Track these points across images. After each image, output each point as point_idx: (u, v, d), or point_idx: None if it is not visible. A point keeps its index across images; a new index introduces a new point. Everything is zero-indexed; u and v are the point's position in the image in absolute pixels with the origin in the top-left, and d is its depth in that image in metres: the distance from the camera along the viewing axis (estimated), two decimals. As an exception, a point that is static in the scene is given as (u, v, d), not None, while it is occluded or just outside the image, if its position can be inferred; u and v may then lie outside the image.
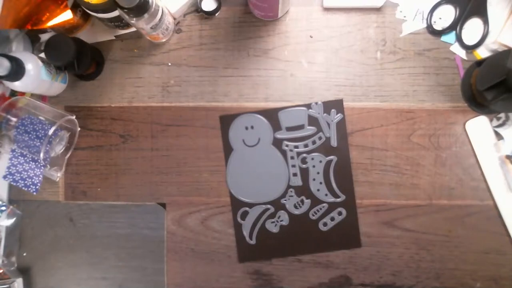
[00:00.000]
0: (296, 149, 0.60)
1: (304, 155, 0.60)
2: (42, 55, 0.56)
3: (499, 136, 0.58)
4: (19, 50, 0.61)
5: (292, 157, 0.60)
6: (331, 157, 0.60)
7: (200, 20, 0.62)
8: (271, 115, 0.61)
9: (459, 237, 0.59)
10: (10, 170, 0.62)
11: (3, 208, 0.62)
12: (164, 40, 0.62)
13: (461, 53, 0.59)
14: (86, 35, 0.62)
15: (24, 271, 0.62)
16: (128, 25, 0.61)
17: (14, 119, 0.57)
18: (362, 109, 0.60)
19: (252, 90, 0.61)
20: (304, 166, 0.60)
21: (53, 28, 0.59)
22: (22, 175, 0.62)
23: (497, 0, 0.58)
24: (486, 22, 0.58)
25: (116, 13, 0.54)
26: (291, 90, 0.61)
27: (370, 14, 0.61)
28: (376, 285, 0.59)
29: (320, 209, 0.60)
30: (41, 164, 0.62)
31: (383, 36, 0.60)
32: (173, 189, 0.62)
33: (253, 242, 0.60)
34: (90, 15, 0.59)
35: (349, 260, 0.60)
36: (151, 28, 0.55)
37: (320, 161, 0.60)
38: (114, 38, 0.63)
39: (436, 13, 0.60)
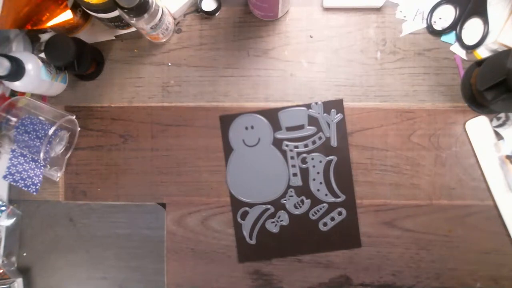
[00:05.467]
0: (296, 149, 0.60)
1: (304, 155, 0.60)
2: (42, 55, 0.56)
3: (499, 136, 0.58)
4: (19, 50, 0.61)
5: (292, 157, 0.60)
6: (331, 157, 0.60)
7: (200, 20, 0.62)
8: (271, 115, 0.61)
9: (459, 237, 0.59)
10: (10, 170, 0.62)
11: (3, 208, 0.62)
12: (164, 40, 0.62)
13: (461, 53, 0.59)
14: (86, 35, 0.62)
15: (24, 271, 0.62)
16: (128, 25, 0.61)
17: (14, 119, 0.57)
18: (362, 109, 0.60)
19: (252, 90, 0.61)
20: (304, 166, 0.60)
21: (53, 28, 0.59)
22: (22, 175, 0.62)
23: (497, 0, 0.58)
24: (486, 22, 0.58)
25: (116, 13, 0.54)
26: (291, 90, 0.61)
27: (370, 14, 0.61)
28: (376, 285, 0.59)
29: (320, 209, 0.60)
30: (41, 164, 0.62)
31: (383, 36, 0.60)
32: (173, 189, 0.62)
33: (253, 242, 0.60)
34: (90, 15, 0.59)
35: (349, 260, 0.60)
36: (151, 28, 0.55)
37: (320, 161, 0.60)
38: (114, 38, 0.63)
39: (436, 13, 0.60)
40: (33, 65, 0.54)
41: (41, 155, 0.56)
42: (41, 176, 0.62)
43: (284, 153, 0.60)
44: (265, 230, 0.60)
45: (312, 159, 0.60)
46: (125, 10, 0.49)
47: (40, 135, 0.57)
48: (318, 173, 0.60)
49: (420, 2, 0.60)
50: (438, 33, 0.60)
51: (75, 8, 0.58)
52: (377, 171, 0.60)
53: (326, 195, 0.60)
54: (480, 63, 0.55)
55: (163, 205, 0.62)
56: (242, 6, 0.62)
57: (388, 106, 0.60)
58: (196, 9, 0.62)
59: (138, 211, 0.62)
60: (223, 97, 0.61)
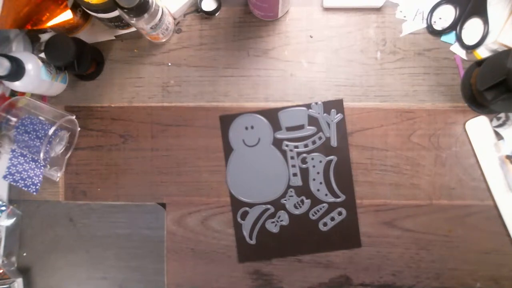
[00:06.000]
0: (296, 149, 0.60)
1: (304, 155, 0.60)
2: (42, 55, 0.56)
3: (499, 136, 0.58)
4: (19, 50, 0.61)
5: (292, 157, 0.60)
6: (331, 157, 0.60)
7: (200, 20, 0.62)
8: (271, 115, 0.61)
9: (459, 237, 0.59)
10: (10, 170, 0.62)
11: (3, 208, 0.62)
12: (164, 40, 0.62)
13: (461, 53, 0.59)
14: (86, 35, 0.62)
15: (24, 271, 0.62)
16: (128, 25, 0.61)
17: (14, 119, 0.57)
18: (362, 109, 0.60)
19: (252, 90, 0.61)
20: (304, 166, 0.60)
21: (53, 28, 0.59)
22: (22, 175, 0.62)
23: (497, 0, 0.58)
24: (486, 22, 0.58)
25: (116, 13, 0.54)
26: (291, 90, 0.61)
27: (370, 14, 0.61)
28: (376, 285, 0.59)
29: (320, 209, 0.60)
30: (41, 164, 0.62)
31: (383, 36, 0.60)
32: (173, 189, 0.62)
33: (253, 242, 0.60)
34: (90, 15, 0.59)
35: (349, 260, 0.60)
36: (151, 28, 0.55)
37: (320, 161, 0.60)
38: (114, 38, 0.63)
39: (436, 13, 0.60)
40: (33, 65, 0.54)
41: (41, 155, 0.56)
42: (41, 176, 0.62)
43: (284, 153, 0.60)
44: (265, 230, 0.60)
45: (312, 159, 0.60)
46: (125, 10, 0.49)
47: (40, 135, 0.57)
48: (318, 173, 0.60)
49: (420, 2, 0.60)
50: (438, 33, 0.60)
51: (75, 8, 0.58)
52: (377, 171, 0.60)
53: (326, 195, 0.60)
54: (480, 63, 0.55)
55: (163, 205, 0.62)
56: (242, 6, 0.62)
57: (388, 106, 0.60)
58: (196, 9, 0.62)
59: (138, 211, 0.62)
60: (223, 97, 0.61)
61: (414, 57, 0.60)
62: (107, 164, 0.62)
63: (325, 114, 0.60)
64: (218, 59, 0.62)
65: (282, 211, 0.60)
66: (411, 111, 0.60)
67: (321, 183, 0.60)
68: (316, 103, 0.60)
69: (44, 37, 0.63)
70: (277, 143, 0.60)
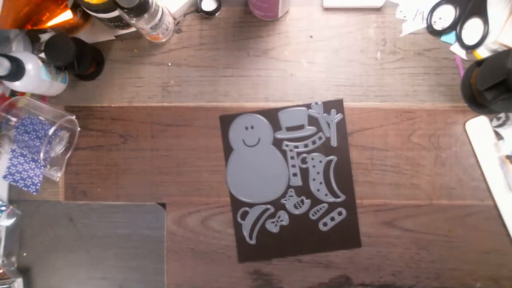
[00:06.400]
0: (296, 149, 0.60)
1: (304, 155, 0.60)
2: (42, 55, 0.56)
3: (499, 136, 0.58)
4: (19, 50, 0.61)
5: (292, 157, 0.60)
6: (331, 157, 0.60)
7: (200, 20, 0.62)
8: (271, 115, 0.61)
9: (459, 237, 0.59)
10: (10, 170, 0.62)
11: (3, 208, 0.62)
12: (164, 40, 0.62)
13: (461, 53, 0.59)
14: (86, 35, 0.62)
15: (24, 271, 0.62)
16: (128, 25, 0.61)
17: (14, 119, 0.57)
18: (362, 109, 0.60)
19: (252, 90, 0.61)
20: (304, 166, 0.60)
21: (53, 28, 0.59)
22: (22, 175, 0.62)
23: (497, 0, 0.58)
24: (486, 22, 0.58)
25: (116, 13, 0.54)
26: (291, 90, 0.61)
27: (370, 14, 0.61)
28: (376, 285, 0.59)
29: (320, 209, 0.60)
30: (41, 164, 0.62)
31: (383, 36, 0.60)
32: (173, 189, 0.62)
33: (253, 242, 0.60)
34: (90, 15, 0.59)
35: (349, 260, 0.60)
36: (151, 28, 0.55)
37: (320, 161, 0.60)
38: (114, 38, 0.63)
39: (436, 13, 0.60)
40: (33, 65, 0.54)
41: (41, 155, 0.56)
42: (41, 176, 0.62)
43: (284, 153, 0.60)
44: (265, 230, 0.60)
45: (312, 159, 0.60)
46: (125, 10, 0.49)
47: (40, 135, 0.57)
48: (318, 173, 0.60)
49: (420, 2, 0.60)
50: (438, 33, 0.60)
51: (75, 8, 0.58)
52: (377, 171, 0.60)
53: (326, 195, 0.60)
54: (480, 63, 0.55)
55: (163, 205, 0.62)
56: (242, 6, 0.62)
57: (388, 106, 0.60)
58: (196, 9, 0.62)
59: (138, 211, 0.62)
60: (223, 97, 0.61)
61: (414, 57, 0.60)
62: (107, 164, 0.62)
63: (325, 114, 0.60)
64: (218, 59, 0.62)
65: (282, 211, 0.60)
66: (411, 111, 0.60)
67: (321, 183, 0.60)
68: (316, 103, 0.60)
69: (44, 37, 0.63)
70: (277, 143, 0.60)
